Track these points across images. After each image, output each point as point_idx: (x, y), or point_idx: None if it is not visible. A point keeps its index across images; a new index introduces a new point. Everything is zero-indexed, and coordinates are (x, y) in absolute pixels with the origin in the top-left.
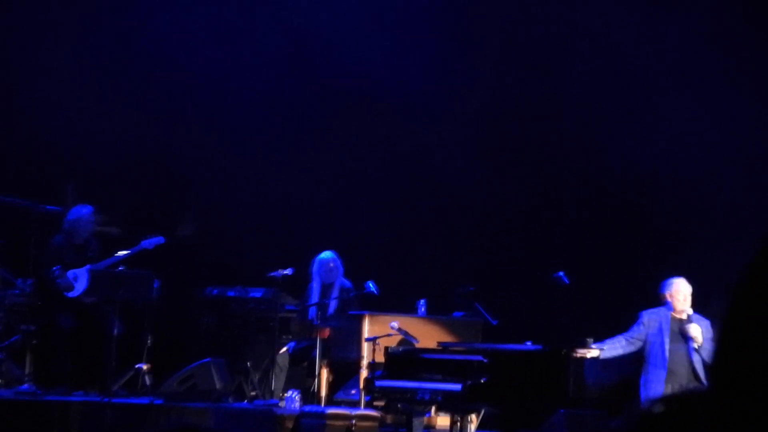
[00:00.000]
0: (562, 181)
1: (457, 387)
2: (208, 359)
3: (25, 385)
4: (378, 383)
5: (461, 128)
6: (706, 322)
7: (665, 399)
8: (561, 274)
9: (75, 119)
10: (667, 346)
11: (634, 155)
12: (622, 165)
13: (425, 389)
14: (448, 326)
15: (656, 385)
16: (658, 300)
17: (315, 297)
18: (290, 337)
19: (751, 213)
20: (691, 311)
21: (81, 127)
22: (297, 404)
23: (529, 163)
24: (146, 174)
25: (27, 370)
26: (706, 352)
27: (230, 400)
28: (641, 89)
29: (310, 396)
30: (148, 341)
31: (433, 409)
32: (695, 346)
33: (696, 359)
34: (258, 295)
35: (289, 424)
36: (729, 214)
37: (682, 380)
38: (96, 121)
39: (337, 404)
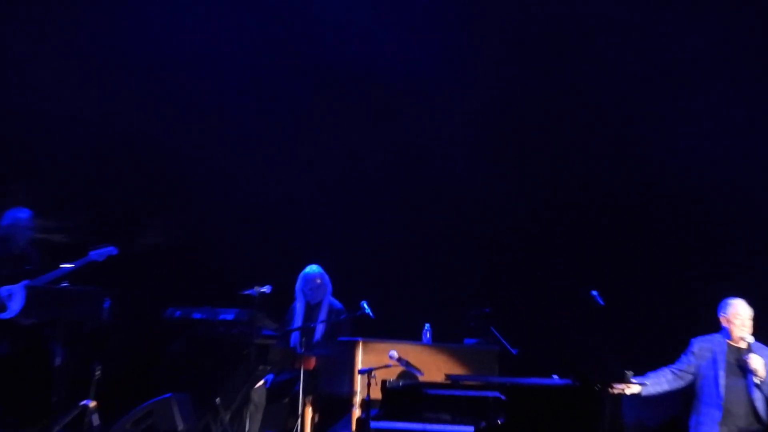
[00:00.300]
0: (594, 185)
1: (470, 429)
2: (168, 395)
3: None
4: (374, 424)
5: (475, 127)
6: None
7: None
8: (595, 293)
9: (26, 105)
10: (722, 381)
11: (684, 153)
12: (667, 164)
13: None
14: (459, 356)
15: (709, 428)
16: (713, 325)
17: (298, 320)
18: (268, 367)
19: None
20: (752, 339)
21: (33, 115)
22: None
23: (554, 166)
24: (103, 172)
25: None
26: None
27: None
28: (687, 78)
29: None
30: (97, 373)
31: None
32: (756, 380)
33: (757, 396)
34: (230, 317)
35: None
36: None
37: (740, 421)
38: (51, 109)
39: None
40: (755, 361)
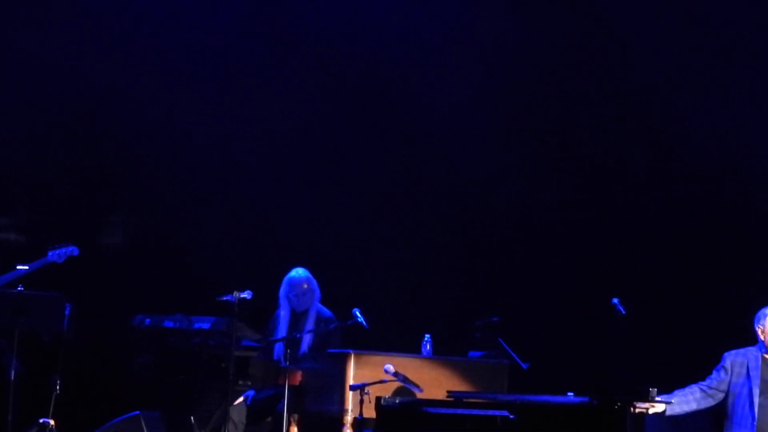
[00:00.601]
0: (618, 182)
1: None
2: (137, 412)
3: None
4: None
5: (484, 106)
6: None
7: None
8: (616, 301)
9: None
10: (756, 399)
11: (722, 142)
12: (700, 155)
13: None
14: (463, 370)
15: None
16: (749, 337)
17: (283, 330)
18: (249, 383)
19: None
20: None
21: None
22: None
23: (572, 160)
24: (61, 161)
25: None
26: None
27: None
28: (727, 53)
29: None
30: (57, 387)
31: None
32: None
33: None
34: (206, 326)
35: None
36: None
37: None
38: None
39: None
40: None
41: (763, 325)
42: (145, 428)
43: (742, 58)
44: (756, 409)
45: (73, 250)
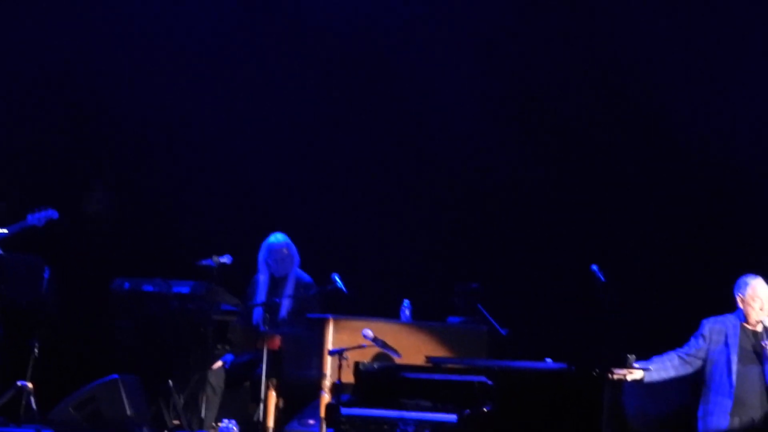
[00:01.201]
0: (600, 152)
1: (452, 417)
2: (115, 376)
3: None
4: (345, 411)
5: (468, 81)
6: None
7: None
8: (595, 268)
9: None
10: (734, 367)
11: (706, 117)
12: (685, 130)
13: (408, 420)
14: (442, 336)
15: (719, 418)
16: (729, 305)
17: (262, 294)
18: (227, 347)
19: None
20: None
21: None
22: None
23: (557, 129)
24: (41, 124)
25: None
26: None
27: (146, 431)
28: (718, 36)
29: (252, 427)
30: (35, 351)
31: None
32: None
33: None
34: (185, 290)
35: None
36: None
37: (754, 412)
38: None
39: None
40: None
41: (743, 295)
42: (123, 392)
43: (738, 51)
44: (734, 377)
45: (52, 214)
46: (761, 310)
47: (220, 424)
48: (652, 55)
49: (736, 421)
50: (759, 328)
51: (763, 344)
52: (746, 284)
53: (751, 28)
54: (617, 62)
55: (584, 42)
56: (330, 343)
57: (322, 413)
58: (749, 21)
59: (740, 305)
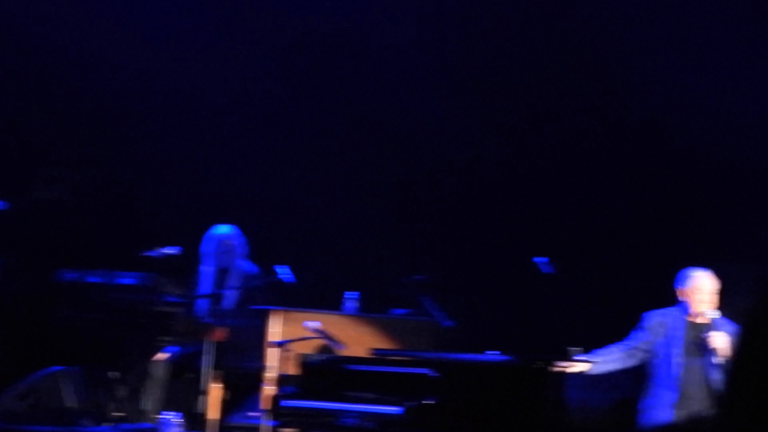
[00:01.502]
0: (547, 136)
1: (396, 410)
2: (56, 368)
3: None
4: (288, 403)
5: (421, 60)
6: (733, 328)
7: (671, 428)
8: (539, 260)
9: None
10: (678, 360)
11: (656, 99)
12: (634, 113)
13: (352, 412)
14: (386, 328)
15: (663, 411)
16: (674, 298)
17: (207, 286)
18: (171, 339)
19: None
20: (716, 314)
21: None
22: (177, 430)
23: (501, 112)
24: None
25: None
26: None
27: (87, 423)
28: (680, 8)
29: (195, 419)
30: None
31: None
32: (718, 360)
33: (716, 378)
34: (129, 281)
35: None
36: None
37: (697, 405)
38: None
39: (233, 431)
40: (717, 339)
41: (685, 286)
42: (65, 383)
43: (685, 14)
44: (678, 370)
45: (1, 205)
46: (703, 302)
47: (162, 415)
48: (613, 37)
49: (680, 414)
50: (702, 321)
51: (705, 337)
52: (688, 277)
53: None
54: (576, 44)
55: (543, 23)
56: (274, 335)
57: (266, 405)
58: None
59: (683, 298)
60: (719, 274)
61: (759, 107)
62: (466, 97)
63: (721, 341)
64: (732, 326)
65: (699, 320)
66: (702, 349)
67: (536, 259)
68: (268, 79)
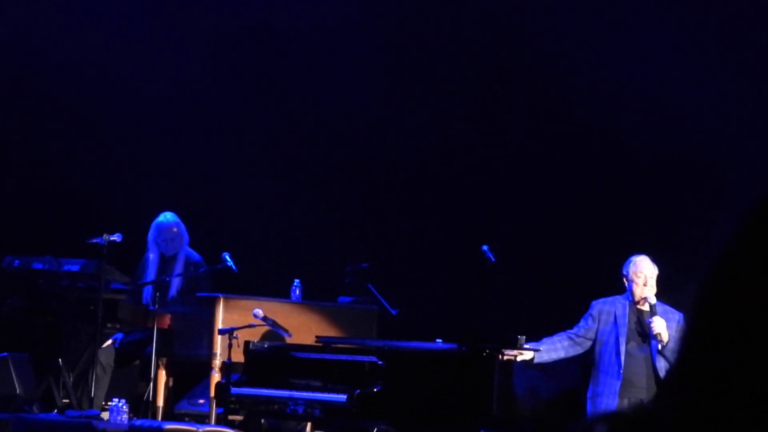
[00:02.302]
0: (492, 120)
1: (342, 398)
2: (4, 354)
3: None
4: (235, 390)
5: (361, 47)
6: (678, 316)
7: (610, 417)
8: (485, 248)
9: None
10: (623, 348)
11: (598, 85)
12: (577, 98)
13: (299, 400)
14: (332, 316)
15: (608, 399)
16: (621, 287)
17: (152, 273)
18: (117, 326)
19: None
20: (654, 300)
21: None
22: (124, 417)
23: (444, 101)
24: None
25: None
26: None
27: (34, 409)
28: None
29: (142, 406)
30: None
31: (309, 426)
32: (659, 346)
33: (661, 365)
34: (75, 268)
35: None
36: (731, 169)
37: (642, 393)
38: None
39: (180, 418)
40: (658, 325)
41: (628, 271)
42: (12, 370)
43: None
44: (622, 357)
45: None
46: (645, 285)
47: (110, 402)
48: (553, 24)
49: (625, 402)
50: (645, 307)
51: (649, 322)
52: (630, 261)
53: None
54: (508, 19)
55: (483, 10)
56: (220, 323)
57: (212, 393)
58: None
59: (627, 284)
60: (665, 260)
61: (699, 94)
62: (408, 85)
63: (661, 326)
64: (676, 314)
65: (642, 306)
66: (646, 336)
67: (484, 247)
68: (205, 67)
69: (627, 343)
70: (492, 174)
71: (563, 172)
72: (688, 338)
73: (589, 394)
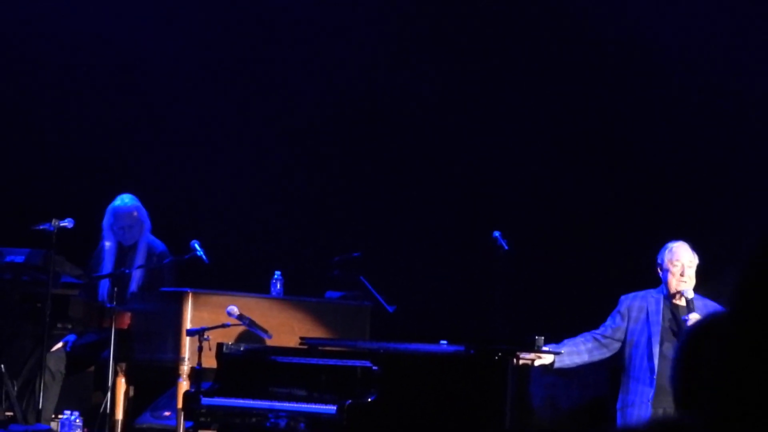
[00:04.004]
0: (501, 93)
1: (331, 409)
2: None
3: None
4: (206, 401)
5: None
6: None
7: (643, 428)
8: (497, 234)
9: None
10: (656, 349)
11: (638, 48)
12: (612, 66)
13: (280, 412)
14: (319, 313)
15: (640, 410)
16: (656, 279)
17: (108, 265)
18: (69, 326)
19: None
20: (691, 294)
21: None
22: None
23: (441, 75)
24: None
25: None
26: None
27: None
28: None
29: (98, 419)
30: None
31: None
32: None
33: None
34: (19, 259)
35: None
36: None
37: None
38: None
39: None
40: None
41: (663, 260)
42: None
43: None
44: (656, 361)
45: None
46: (682, 276)
47: (60, 415)
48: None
49: (659, 413)
50: (682, 302)
51: (685, 320)
52: (666, 248)
53: None
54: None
55: None
56: (188, 322)
57: (180, 403)
58: None
59: (661, 275)
60: (706, 246)
61: (745, 62)
62: (409, 53)
63: None
64: (715, 308)
65: (678, 301)
66: (681, 335)
67: (496, 233)
68: (174, 37)
69: (661, 345)
70: (505, 149)
71: (586, 146)
72: (727, 339)
73: (618, 405)
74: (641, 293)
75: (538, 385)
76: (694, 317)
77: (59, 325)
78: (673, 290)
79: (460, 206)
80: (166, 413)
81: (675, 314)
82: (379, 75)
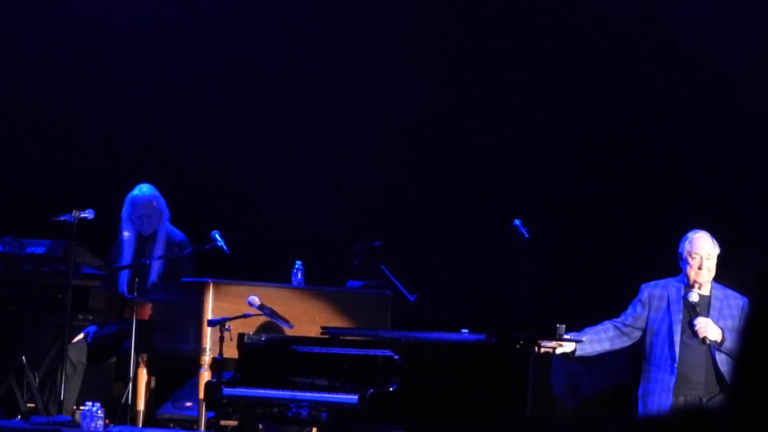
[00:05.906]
0: (522, 80)
1: (352, 398)
2: None
3: None
4: (227, 391)
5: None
6: (741, 302)
7: (665, 419)
8: (518, 222)
9: None
10: (677, 338)
11: (655, 35)
12: (629, 54)
13: (302, 401)
14: (339, 302)
15: (661, 398)
16: (674, 268)
17: (128, 256)
18: (90, 317)
19: None
20: (695, 298)
21: None
22: (99, 423)
23: (472, 62)
24: None
25: None
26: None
27: None
28: None
29: (120, 410)
30: None
31: (314, 431)
32: (718, 339)
33: (722, 359)
34: (40, 250)
35: None
36: None
37: (700, 390)
38: None
39: (163, 424)
40: (703, 328)
41: (683, 250)
42: None
43: None
44: (677, 349)
45: None
46: (700, 269)
47: (82, 407)
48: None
49: (681, 401)
50: (703, 292)
51: (693, 324)
52: (686, 238)
53: None
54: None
55: None
56: (209, 312)
57: (201, 394)
58: None
59: (681, 264)
60: (729, 235)
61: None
62: (428, 50)
63: (707, 329)
64: (740, 299)
65: (699, 291)
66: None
67: (516, 222)
68: (194, 35)
69: (682, 333)
70: (527, 138)
71: (608, 132)
72: (750, 329)
73: (639, 393)
74: (662, 282)
75: (559, 373)
76: (701, 322)
77: (80, 317)
78: (692, 281)
79: (481, 195)
80: (188, 404)
81: (692, 306)
82: (399, 67)
